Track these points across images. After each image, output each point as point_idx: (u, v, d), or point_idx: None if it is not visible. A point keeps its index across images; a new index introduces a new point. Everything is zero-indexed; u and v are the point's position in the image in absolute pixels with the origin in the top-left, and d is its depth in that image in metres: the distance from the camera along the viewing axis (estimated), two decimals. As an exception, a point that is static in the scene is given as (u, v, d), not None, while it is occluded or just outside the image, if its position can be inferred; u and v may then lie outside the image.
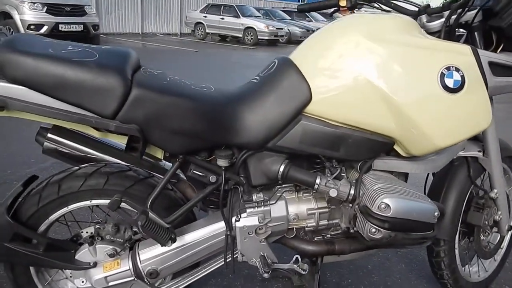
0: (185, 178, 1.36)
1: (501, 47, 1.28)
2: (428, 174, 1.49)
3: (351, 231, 1.24)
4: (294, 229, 1.31)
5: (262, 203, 1.23)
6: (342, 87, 1.11)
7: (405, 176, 1.34)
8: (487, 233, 1.60)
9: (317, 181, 1.18)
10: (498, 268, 1.73)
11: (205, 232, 1.23)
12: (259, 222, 1.21)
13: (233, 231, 1.22)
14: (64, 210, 1.21)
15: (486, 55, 1.18)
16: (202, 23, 13.74)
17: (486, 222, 1.48)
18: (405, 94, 1.09)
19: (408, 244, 1.19)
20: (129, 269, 1.22)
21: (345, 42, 1.14)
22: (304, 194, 1.30)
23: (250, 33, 12.96)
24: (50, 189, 1.19)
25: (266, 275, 1.21)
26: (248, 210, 1.22)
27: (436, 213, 1.14)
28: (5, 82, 1.00)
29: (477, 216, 1.46)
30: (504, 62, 1.21)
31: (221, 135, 1.14)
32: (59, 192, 1.19)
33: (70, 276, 1.30)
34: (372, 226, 1.12)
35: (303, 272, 1.27)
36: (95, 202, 1.22)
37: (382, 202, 1.10)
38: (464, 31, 1.33)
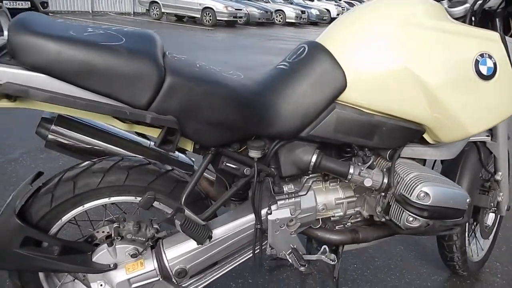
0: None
1: None
2: (435, 160, 1.51)
3: (382, 219, 1.23)
4: (320, 220, 1.29)
5: (293, 195, 1.19)
6: (379, 73, 1.09)
7: (423, 163, 1.35)
8: (485, 214, 1.68)
9: (351, 170, 1.16)
10: (491, 246, 1.83)
11: (234, 226, 1.17)
12: (291, 214, 1.17)
13: (263, 224, 1.17)
14: (79, 209, 1.10)
15: (511, 42, 1.20)
16: (157, 2, 13.15)
17: (492, 204, 1.55)
18: (442, 80, 1.09)
19: (441, 231, 1.20)
20: (155, 269, 1.14)
21: (380, 26, 1.10)
22: (331, 184, 1.28)
23: (209, 14, 12.62)
24: (64, 187, 1.07)
25: (302, 269, 1.18)
26: (279, 202, 1.17)
27: (468, 200, 1.16)
28: (21, 69, 0.87)
29: (484, 199, 1.52)
30: None
31: (256, 125, 1.07)
32: (75, 190, 1.07)
33: (83, 280, 1.20)
34: (410, 215, 1.11)
35: (332, 263, 1.26)
36: (114, 199, 1.12)
37: (421, 191, 1.09)
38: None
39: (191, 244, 1.14)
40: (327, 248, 1.27)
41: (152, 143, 1.34)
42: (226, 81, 1.04)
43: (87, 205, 1.10)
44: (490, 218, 1.76)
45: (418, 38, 1.09)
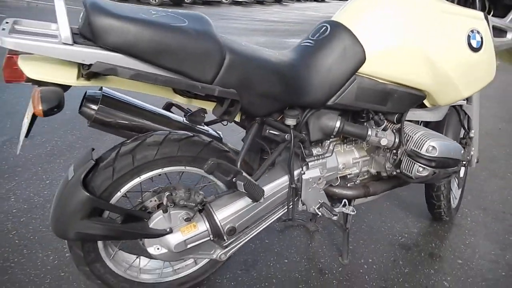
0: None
1: (491, 13, 1.56)
2: (421, 122, 1.76)
3: (392, 173, 1.45)
4: (338, 178, 1.48)
5: (320, 157, 1.36)
6: (393, 48, 1.27)
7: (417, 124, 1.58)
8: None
9: (369, 133, 1.35)
10: (461, 196, 2.15)
11: (273, 187, 1.33)
12: (320, 173, 1.35)
13: (297, 184, 1.34)
14: (136, 180, 1.20)
15: (491, 20, 1.44)
16: (98, -20, 12.46)
17: (468, 157, 1.83)
18: (444, 54, 1.30)
19: (443, 178, 1.44)
20: (207, 230, 1.27)
21: (393, 8, 1.29)
22: (347, 146, 1.47)
23: (156, -8, 12.22)
24: (123, 160, 1.15)
25: (335, 218, 1.37)
26: (310, 164, 1.35)
27: (462, 151, 1.41)
28: (100, 49, 0.94)
29: (463, 153, 1.80)
30: (500, 25, 1.50)
31: (294, 95, 1.22)
32: (134, 163, 1.16)
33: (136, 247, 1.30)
34: (421, 166, 1.34)
35: (352, 213, 1.46)
36: (167, 169, 1.23)
37: (429, 145, 1.32)
38: None
39: (238, 205, 1.28)
40: (347, 202, 1.47)
41: (184, 119, 1.45)
42: (270, 57, 1.17)
43: (144, 176, 1.20)
44: (462, 170, 2.07)
45: (426, 19, 1.29)
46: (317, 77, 1.26)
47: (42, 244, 1.66)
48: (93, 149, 1.20)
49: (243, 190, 1.14)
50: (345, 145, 1.47)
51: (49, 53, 0.90)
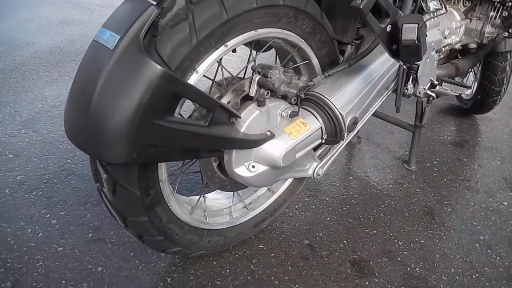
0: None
1: None
2: None
3: (502, 35, 1.15)
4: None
5: (436, 13, 0.99)
6: None
7: None
8: None
9: None
10: None
11: (383, 61, 0.93)
12: (440, 37, 0.99)
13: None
14: (220, 50, 0.69)
15: None
16: None
17: None
18: None
19: None
20: (320, 127, 0.83)
21: None
22: (447, 7, 1.12)
23: None
24: (206, 9, 0.64)
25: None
26: (428, 23, 0.97)
27: None
28: None
29: None
30: None
31: None
32: (226, 12, 0.65)
33: (217, 165, 0.81)
34: None
35: (452, 93, 1.13)
36: (262, 32, 0.74)
37: None
38: None
39: (353, 88, 0.88)
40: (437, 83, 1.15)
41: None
42: None
43: (230, 43, 0.70)
44: None
45: None
46: None
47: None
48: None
49: (414, 38, 0.71)
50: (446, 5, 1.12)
51: None
